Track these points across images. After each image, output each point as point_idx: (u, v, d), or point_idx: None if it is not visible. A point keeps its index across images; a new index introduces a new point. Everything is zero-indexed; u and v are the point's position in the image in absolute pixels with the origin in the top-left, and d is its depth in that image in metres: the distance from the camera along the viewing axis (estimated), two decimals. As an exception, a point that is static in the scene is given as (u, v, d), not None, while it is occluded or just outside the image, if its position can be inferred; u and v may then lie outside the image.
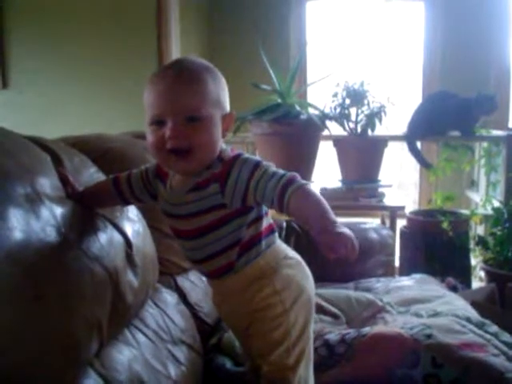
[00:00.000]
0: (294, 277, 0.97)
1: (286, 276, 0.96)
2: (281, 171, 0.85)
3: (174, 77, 0.88)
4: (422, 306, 1.41)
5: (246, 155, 0.90)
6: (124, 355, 0.96)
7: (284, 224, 1.99)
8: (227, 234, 0.91)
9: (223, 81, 0.94)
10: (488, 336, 1.16)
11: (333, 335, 1.19)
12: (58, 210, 0.84)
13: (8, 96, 3.00)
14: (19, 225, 0.71)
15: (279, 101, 2.35)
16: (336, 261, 0.76)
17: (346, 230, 0.74)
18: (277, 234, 1.00)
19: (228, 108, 0.94)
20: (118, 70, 2.85)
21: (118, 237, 1.00)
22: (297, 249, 1.08)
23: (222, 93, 0.92)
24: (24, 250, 0.71)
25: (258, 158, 0.90)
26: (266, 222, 0.96)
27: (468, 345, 1.10)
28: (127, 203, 1.05)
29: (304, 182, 0.83)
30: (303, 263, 1.02)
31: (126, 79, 2.83)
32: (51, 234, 0.78)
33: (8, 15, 2.95)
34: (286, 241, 1.88)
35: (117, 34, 2.85)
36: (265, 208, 0.96)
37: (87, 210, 0.95)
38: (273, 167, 0.87)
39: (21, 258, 0.70)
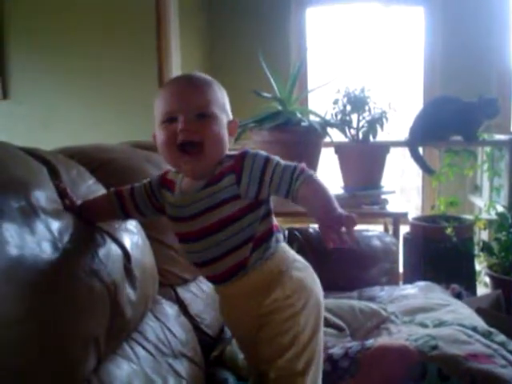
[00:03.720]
0: (303, 280, 0.97)
1: (296, 279, 0.96)
2: (291, 164, 0.90)
3: (186, 81, 0.96)
4: (426, 315, 1.38)
5: (253, 150, 0.94)
6: (123, 370, 0.94)
7: (286, 232, 1.97)
8: (241, 230, 0.92)
9: (226, 94, 0.99)
10: (495, 346, 1.14)
11: (336, 349, 1.16)
12: (54, 224, 0.83)
13: (8, 107, 3.00)
14: (13, 240, 0.70)
15: (280, 108, 2.33)
16: (335, 249, 0.79)
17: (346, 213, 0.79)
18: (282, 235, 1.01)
19: (231, 116, 0.99)
20: (118, 79, 2.84)
21: (116, 249, 0.98)
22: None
23: (226, 102, 0.98)
24: (18, 267, 0.69)
25: (264, 152, 0.93)
26: (273, 219, 0.98)
27: (475, 356, 1.07)
28: (128, 217, 1.05)
29: (311, 172, 0.88)
30: (310, 267, 1.02)
31: (125, 89, 2.83)
32: (47, 249, 0.77)
33: (7, 26, 2.96)
34: (288, 249, 1.85)
35: (116, 44, 2.84)
36: (271, 206, 0.98)
37: (84, 223, 0.93)
38: (280, 160, 0.91)
39: (15, 274, 0.68)
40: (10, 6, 2.94)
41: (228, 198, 0.91)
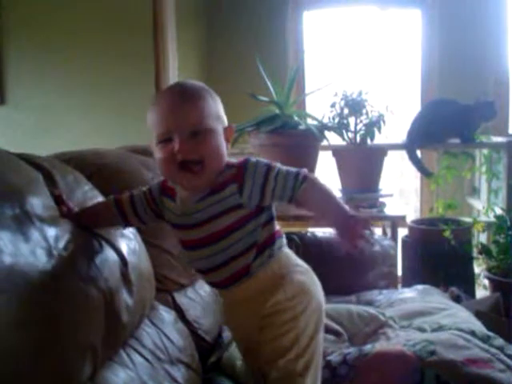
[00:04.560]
0: (304, 283, 0.99)
1: (297, 282, 0.98)
2: (293, 169, 0.92)
3: (176, 96, 0.93)
4: (425, 320, 1.38)
5: (254, 158, 0.95)
6: (119, 377, 0.94)
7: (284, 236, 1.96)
8: (244, 236, 0.94)
9: (219, 99, 0.99)
10: (493, 350, 1.13)
11: (334, 356, 1.16)
12: (50, 231, 0.82)
13: (5, 112, 3.00)
14: (6, 248, 0.69)
15: (277, 111, 2.33)
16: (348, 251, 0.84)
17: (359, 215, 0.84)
18: (285, 240, 1.03)
19: (226, 122, 0.99)
20: (115, 84, 2.85)
21: (112, 256, 0.98)
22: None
23: (220, 109, 0.98)
24: (13, 275, 0.69)
25: (265, 160, 0.94)
26: (276, 225, 1.00)
27: (473, 360, 1.07)
28: (128, 225, 1.05)
29: (314, 177, 0.91)
30: (311, 271, 1.04)
31: (122, 93, 2.83)
32: (42, 257, 0.76)
33: (5, 31, 2.96)
34: (286, 253, 1.85)
35: (113, 49, 2.85)
36: (274, 212, 0.99)
37: (80, 230, 0.93)
38: (282, 166, 0.93)
39: (9, 282, 0.68)
40: (8, 11, 2.95)
41: (231, 207, 0.93)
